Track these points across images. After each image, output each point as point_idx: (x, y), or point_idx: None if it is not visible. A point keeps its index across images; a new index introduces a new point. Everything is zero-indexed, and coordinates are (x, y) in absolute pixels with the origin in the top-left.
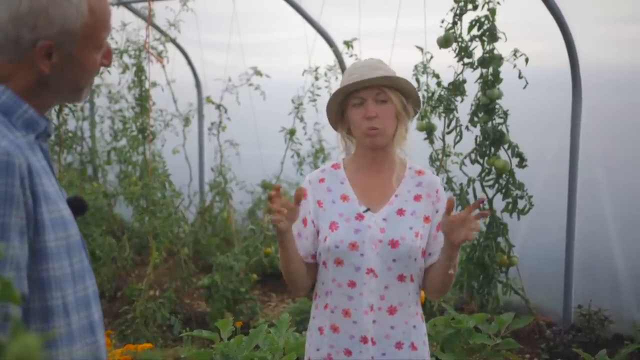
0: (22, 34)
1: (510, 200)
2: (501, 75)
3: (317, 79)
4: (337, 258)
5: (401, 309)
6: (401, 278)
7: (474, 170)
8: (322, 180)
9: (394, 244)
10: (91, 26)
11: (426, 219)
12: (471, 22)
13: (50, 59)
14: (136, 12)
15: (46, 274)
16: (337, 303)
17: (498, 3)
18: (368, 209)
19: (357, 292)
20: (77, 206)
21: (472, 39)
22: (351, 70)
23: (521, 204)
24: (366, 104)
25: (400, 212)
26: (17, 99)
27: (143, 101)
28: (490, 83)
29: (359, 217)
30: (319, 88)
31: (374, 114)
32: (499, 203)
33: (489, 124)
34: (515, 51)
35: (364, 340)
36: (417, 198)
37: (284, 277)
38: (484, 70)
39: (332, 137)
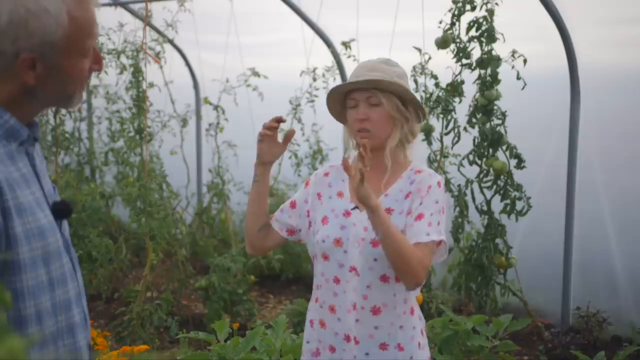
0: (3, 47)
1: (508, 201)
2: (499, 77)
3: (315, 80)
4: (323, 253)
5: (386, 310)
6: (384, 278)
7: (472, 171)
8: (326, 174)
9: (375, 243)
10: (73, 36)
11: (409, 212)
12: (469, 23)
13: (35, 70)
14: (133, 13)
15: (20, 284)
16: (325, 298)
17: (496, 4)
18: (356, 207)
19: (341, 290)
20: (61, 209)
21: (471, 39)
22: (355, 70)
23: (519, 205)
24: (358, 106)
25: (387, 211)
26: None
27: (140, 102)
28: (488, 84)
29: (346, 214)
30: (316, 89)
31: (364, 116)
32: (497, 204)
33: (487, 125)
34: (514, 52)
35: (347, 338)
36: (408, 195)
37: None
38: (482, 71)
39: (330, 138)
